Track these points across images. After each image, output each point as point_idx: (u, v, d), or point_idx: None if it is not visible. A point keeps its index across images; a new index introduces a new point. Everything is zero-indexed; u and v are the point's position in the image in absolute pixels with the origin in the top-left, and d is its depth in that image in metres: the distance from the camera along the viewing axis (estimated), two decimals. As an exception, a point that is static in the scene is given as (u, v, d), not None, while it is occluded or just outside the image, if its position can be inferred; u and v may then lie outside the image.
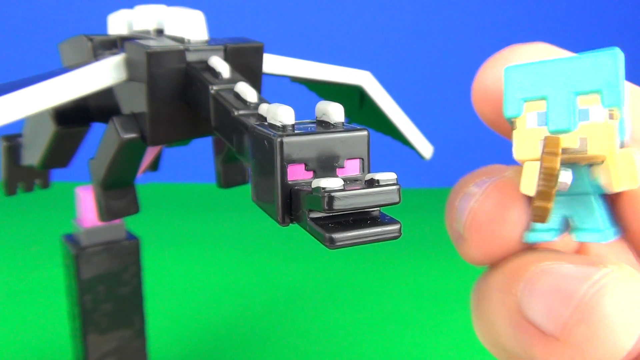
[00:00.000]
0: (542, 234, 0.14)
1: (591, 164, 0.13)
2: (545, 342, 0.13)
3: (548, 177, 0.13)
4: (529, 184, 0.13)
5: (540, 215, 0.13)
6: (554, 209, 0.14)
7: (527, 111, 0.14)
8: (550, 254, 0.14)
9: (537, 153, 0.13)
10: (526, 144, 0.14)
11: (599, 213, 0.14)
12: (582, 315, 0.12)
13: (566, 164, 0.13)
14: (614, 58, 0.13)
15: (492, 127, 0.16)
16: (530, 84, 0.14)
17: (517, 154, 0.14)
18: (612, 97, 0.13)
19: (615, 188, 0.13)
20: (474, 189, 0.15)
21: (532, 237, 0.14)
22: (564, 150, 0.13)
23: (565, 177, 0.13)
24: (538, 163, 0.13)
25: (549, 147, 0.13)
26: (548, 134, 0.13)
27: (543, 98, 0.13)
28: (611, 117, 0.13)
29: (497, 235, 0.14)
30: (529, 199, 0.14)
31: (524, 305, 0.13)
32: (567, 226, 0.14)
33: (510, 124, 0.14)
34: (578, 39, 0.97)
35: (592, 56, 0.13)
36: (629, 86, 0.14)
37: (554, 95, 0.13)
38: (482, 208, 0.14)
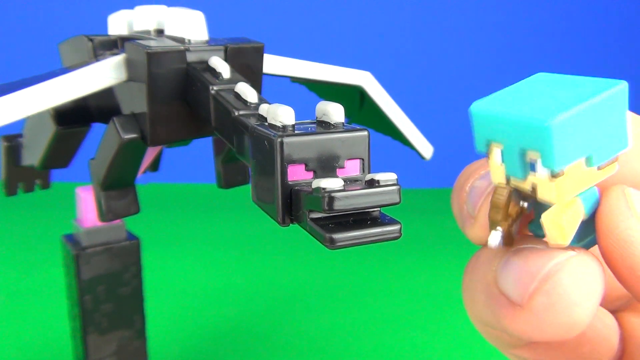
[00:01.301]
0: (536, 226, 0.15)
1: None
2: (512, 310, 0.14)
3: (492, 226, 0.15)
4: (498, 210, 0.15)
5: (494, 224, 0.15)
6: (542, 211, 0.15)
7: (495, 147, 0.15)
8: (532, 240, 0.15)
9: (503, 181, 0.15)
10: (497, 175, 0.15)
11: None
12: (544, 287, 0.14)
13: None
14: (545, 130, 0.13)
15: None
16: (491, 127, 0.14)
17: (494, 180, 0.15)
18: (548, 161, 0.13)
19: (551, 243, 0.14)
20: (481, 181, 0.16)
21: (530, 228, 0.16)
22: (519, 191, 0.14)
23: (493, 240, 0.15)
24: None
25: (494, 201, 0.14)
26: (498, 181, 0.15)
27: (501, 143, 0.14)
28: (553, 175, 0.13)
29: None
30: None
31: (498, 277, 0.15)
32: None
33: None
34: (578, 39, 0.97)
35: (529, 119, 0.13)
36: (630, 117, 0.14)
37: (507, 144, 0.14)
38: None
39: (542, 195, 0.14)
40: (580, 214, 0.14)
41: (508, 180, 0.14)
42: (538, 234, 0.15)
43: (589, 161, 0.14)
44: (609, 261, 0.14)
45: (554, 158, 0.13)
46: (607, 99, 0.13)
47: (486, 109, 0.14)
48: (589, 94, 0.13)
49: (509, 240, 0.15)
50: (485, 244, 0.16)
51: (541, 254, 0.14)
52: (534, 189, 0.14)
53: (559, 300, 0.14)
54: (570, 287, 0.14)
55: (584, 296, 0.14)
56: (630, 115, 0.15)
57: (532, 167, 0.14)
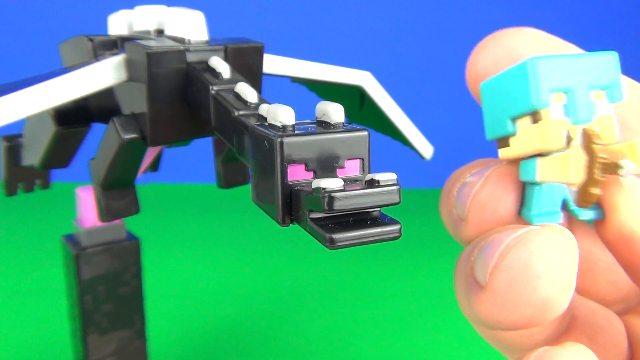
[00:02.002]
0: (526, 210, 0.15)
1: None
2: (479, 291, 0.14)
3: (606, 166, 0.14)
4: (575, 171, 0.14)
5: (589, 202, 0.14)
6: (551, 192, 0.15)
7: (555, 101, 0.14)
8: (509, 227, 0.14)
9: (562, 143, 0.14)
10: (552, 135, 0.14)
11: (532, 199, 0.15)
12: (504, 262, 0.13)
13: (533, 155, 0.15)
14: (617, 60, 0.14)
15: None
16: (557, 76, 0.14)
17: (543, 144, 0.14)
18: (617, 93, 0.14)
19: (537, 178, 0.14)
20: (472, 178, 0.16)
21: (521, 212, 0.15)
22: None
23: (627, 163, 0.14)
24: (573, 153, 0.14)
25: (594, 138, 0.14)
26: (571, 126, 0.14)
27: (566, 91, 0.14)
28: (613, 111, 0.14)
29: (496, 213, 0.15)
30: (523, 185, 0.15)
31: (474, 265, 0.14)
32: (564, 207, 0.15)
33: (531, 115, 0.15)
34: (578, 39, 0.97)
35: (601, 56, 0.14)
36: (625, 80, 0.15)
37: (575, 88, 0.14)
38: (484, 190, 0.15)
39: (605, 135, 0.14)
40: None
41: (569, 141, 0.14)
42: (528, 217, 0.15)
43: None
44: (619, 255, 0.14)
45: (623, 86, 0.14)
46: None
47: (551, 58, 0.14)
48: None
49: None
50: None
51: (509, 231, 0.14)
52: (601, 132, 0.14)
53: (519, 274, 0.13)
54: (532, 259, 0.13)
55: (550, 268, 0.13)
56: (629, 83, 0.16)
57: (594, 109, 0.14)
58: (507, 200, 0.15)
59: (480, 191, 0.15)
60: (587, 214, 0.15)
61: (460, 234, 0.16)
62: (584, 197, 0.14)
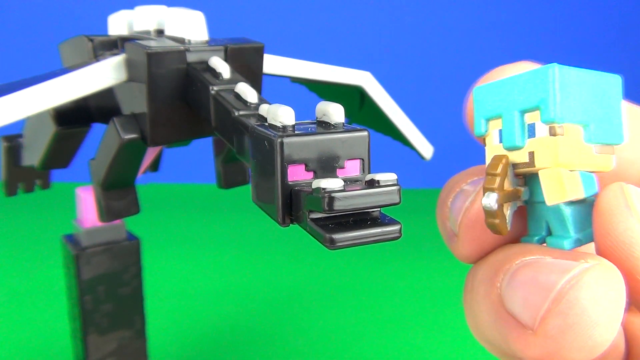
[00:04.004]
0: (530, 239, 0.15)
1: None
2: (523, 334, 0.13)
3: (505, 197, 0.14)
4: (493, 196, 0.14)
5: (493, 230, 0.14)
6: (537, 216, 0.15)
7: (491, 129, 0.14)
8: (534, 247, 0.14)
9: (497, 169, 0.14)
10: (491, 160, 0.14)
11: (567, 220, 0.14)
12: (558, 307, 0.12)
13: (526, 175, 0.14)
14: (546, 74, 0.13)
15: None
16: (490, 103, 0.14)
17: (487, 167, 0.14)
18: (547, 113, 0.13)
19: (548, 202, 0.13)
20: (467, 188, 0.15)
21: (524, 241, 0.15)
22: (516, 165, 0.14)
23: (488, 199, 0.13)
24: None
25: (490, 168, 0.14)
26: (502, 152, 0.14)
27: (499, 116, 0.14)
28: (552, 132, 0.13)
29: (490, 232, 0.14)
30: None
31: (504, 297, 0.13)
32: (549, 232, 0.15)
33: (483, 141, 0.15)
34: (578, 41, 0.97)
35: (531, 73, 0.13)
36: (626, 107, 0.14)
37: (506, 113, 0.14)
38: (476, 205, 0.15)
39: (541, 160, 0.13)
40: (579, 188, 0.13)
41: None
42: (537, 234, 0.15)
43: (587, 132, 0.13)
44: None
45: (555, 105, 0.13)
46: (604, 76, 0.14)
47: (487, 85, 0.14)
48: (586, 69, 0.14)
49: (502, 226, 0.14)
50: (476, 261, 0.15)
51: (551, 266, 0.13)
52: (531, 159, 0.13)
53: (577, 321, 0.12)
54: (590, 305, 0.12)
55: (606, 313, 0.12)
56: (629, 109, 0.15)
57: (531, 132, 0.13)
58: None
59: (471, 206, 0.15)
60: (553, 242, 0.14)
61: (453, 251, 0.15)
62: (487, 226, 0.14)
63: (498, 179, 0.13)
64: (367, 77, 0.32)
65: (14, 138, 0.34)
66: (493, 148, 0.14)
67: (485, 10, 0.96)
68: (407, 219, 0.20)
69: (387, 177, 0.15)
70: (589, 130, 0.13)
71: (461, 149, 0.94)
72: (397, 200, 0.15)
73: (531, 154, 0.13)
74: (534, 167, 0.13)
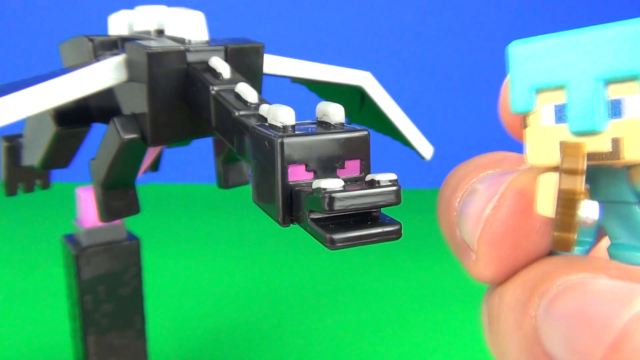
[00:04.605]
0: (576, 247, 0.12)
1: (630, 165, 0.10)
2: None
3: (567, 202, 0.10)
4: (546, 202, 0.10)
5: (562, 247, 0.10)
6: None
7: (542, 103, 0.10)
8: (581, 261, 0.10)
9: (556, 159, 0.10)
10: (542, 147, 0.11)
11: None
12: (619, 356, 0.08)
13: (597, 166, 0.10)
14: None
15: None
16: (544, 66, 0.10)
17: (531, 158, 0.11)
18: None
19: None
20: (479, 187, 0.12)
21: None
22: (592, 156, 0.10)
23: (589, 211, 0.10)
24: (556, 176, 0.10)
25: (568, 161, 0.10)
26: (568, 137, 0.10)
27: (562, 86, 0.10)
28: None
29: (520, 250, 0.11)
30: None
31: (542, 332, 0.10)
32: (601, 236, 0.11)
33: (523, 120, 0.11)
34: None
35: (624, 26, 0.09)
36: None
37: (575, 82, 0.10)
38: (499, 214, 0.11)
39: (632, 152, 0.10)
40: None
41: (560, 167, 0.10)
42: (584, 242, 0.11)
43: None
44: None
45: None
46: None
47: (536, 39, 0.10)
48: None
49: (574, 239, 0.10)
50: (497, 283, 0.11)
51: (606, 293, 0.09)
52: (615, 149, 0.10)
53: None
54: None
55: None
56: None
57: (616, 110, 0.10)
58: (535, 231, 0.11)
59: (493, 216, 0.11)
60: (619, 255, 0.11)
61: (469, 270, 0.12)
62: (553, 241, 0.10)
63: (580, 179, 0.10)
64: (367, 77, 0.32)
65: (14, 138, 0.34)
66: (542, 131, 0.10)
67: (486, 10, 0.96)
68: (407, 219, 0.20)
69: (387, 177, 0.15)
70: None
71: (461, 149, 0.94)
72: (397, 201, 0.15)
73: (615, 142, 0.10)
74: (619, 159, 0.10)
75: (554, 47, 0.10)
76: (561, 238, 0.10)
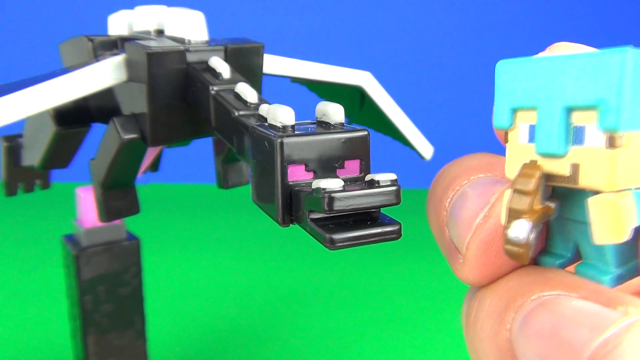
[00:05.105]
0: (551, 259, 0.12)
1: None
2: None
3: (513, 218, 0.10)
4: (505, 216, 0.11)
5: (513, 258, 0.11)
6: (564, 234, 0.12)
7: (519, 122, 0.11)
8: (559, 277, 0.11)
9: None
10: (517, 163, 0.11)
11: (608, 251, 0.11)
12: None
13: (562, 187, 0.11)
14: (613, 63, 0.09)
15: None
16: (522, 88, 0.11)
17: (508, 172, 0.11)
18: (609, 117, 0.09)
19: (598, 240, 0.10)
20: (470, 190, 0.12)
21: (543, 261, 0.12)
22: (553, 178, 0.11)
23: (518, 231, 0.10)
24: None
25: (520, 182, 0.10)
26: (534, 156, 0.11)
27: (534, 108, 0.11)
28: (611, 143, 0.10)
29: (506, 257, 0.11)
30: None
31: (516, 346, 0.10)
32: (579, 255, 0.12)
33: (505, 136, 0.12)
34: (578, 39, 0.97)
35: (589, 57, 0.10)
36: None
37: (544, 107, 0.10)
38: (489, 225, 0.11)
39: (586, 179, 0.10)
40: (635, 214, 0.10)
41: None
42: (562, 256, 0.12)
43: None
44: None
45: (621, 108, 0.09)
46: None
47: (520, 63, 0.11)
48: None
49: (526, 254, 0.10)
50: (480, 285, 0.12)
51: (578, 316, 0.09)
52: (573, 174, 0.10)
53: None
54: None
55: None
56: None
57: (578, 137, 0.10)
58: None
59: (483, 225, 0.12)
60: (584, 273, 0.11)
61: (455, 271, 0.12)
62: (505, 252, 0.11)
63: (529, 200, 0.10)
64: (367, 77, 0.32)
65: (14, 138, 0.34)
66: (518, 148, 0.11)
67: (486, 10, 0.96)
68: (407, 219, 0.20)
69: (386, 177, 0.15)
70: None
71: (461, 149, 0.94)
72: (397, 201, 0.15)
73: (574, 167, 0.10)
74: (577, 184, 0.10)
75: (533, 69, 0.11)
76: (510, 251, 0.11)
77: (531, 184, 0.10)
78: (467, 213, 0.12)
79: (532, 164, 0.11)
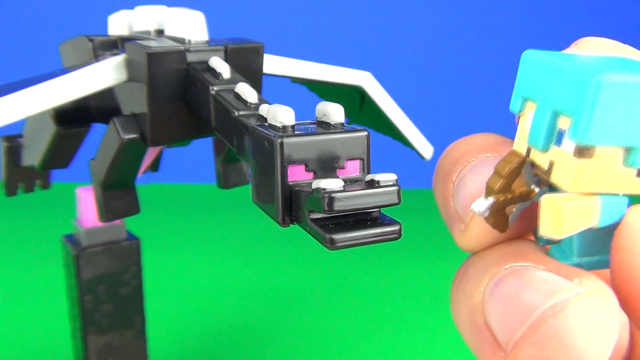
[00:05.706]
0: (542, 238, 0.13)
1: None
2: (496, 353, 0.11)
3: (488, 194, 0.12)
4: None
5: (492, 227, 0.12)
6: None
7: (528, 110, 0.12)
8: (533, 251, 0.12)
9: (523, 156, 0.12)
10: (524, 145, 0.12)
11: (573, 242, 0.12)
12: (534, 336, 0.10)
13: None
14: (587, 84, 0.10)
15: None
16: (533, 80, 0.12)
17: (516, 146, 0.13)
18: (576, 130, 0.10)
19: (539, 232, 0.11)
20: (479, 167, 0.13)
21: (538, 238, 0.13)
22: (535, 167, 0.12)
23: (477, 205, 0.12)
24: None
25: (500, 165, 0.12)
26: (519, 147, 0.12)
27: (535, 101, 0.12)
28: (578, 152, 0.11)
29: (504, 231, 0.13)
30: None
31: (485, 306, 0.12)
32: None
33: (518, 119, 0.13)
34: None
35: (575, 70, 0.11)
36: None
37: (541, 104, 0.11)
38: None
39: (557, 177, 0.11)
40: (592, 217, 0.11)
41: (528, 153, 0.12)
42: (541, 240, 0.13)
43: (629, 156, 0.11)
44: (622, 295, 0.11)
45: (589, 125, 0.10)
46: None
47: (539, 55, 0.12)
48: None
49: (499, 222, 0.12)
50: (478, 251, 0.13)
51: (538, 283, 0.11)
52: (550, 168, 0.11)
53: (556, 354, 0.10)
54: (571, 340, 0.10)
55: (594, 345, 0.10)
56: None
57: (559, 139, 0.11)
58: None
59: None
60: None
61: (457, 239, 0.14)
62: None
63: (500, 182, 0.12)
64: (367, 77, 0.32)
65: (14, 138, 0.34)
66: (524, 132, 0.12)
67: (485, 10, 0.96)
68: (407, 219, 0.20)
69: (387, 177, 0.15)
70: (633, 155, 0.11)
71: (461, 149, 0.94)
72: (397, 201, 0.15)
73: (551, 164, 0.11)
74: (549, 179, 0.11)
75: (545, 65, 0.11)
76: (488, 221, 0.12)
77: (505, 169, 0.12)
78: (474, 187, 0.13)
79: (516, 152, 0.12)
